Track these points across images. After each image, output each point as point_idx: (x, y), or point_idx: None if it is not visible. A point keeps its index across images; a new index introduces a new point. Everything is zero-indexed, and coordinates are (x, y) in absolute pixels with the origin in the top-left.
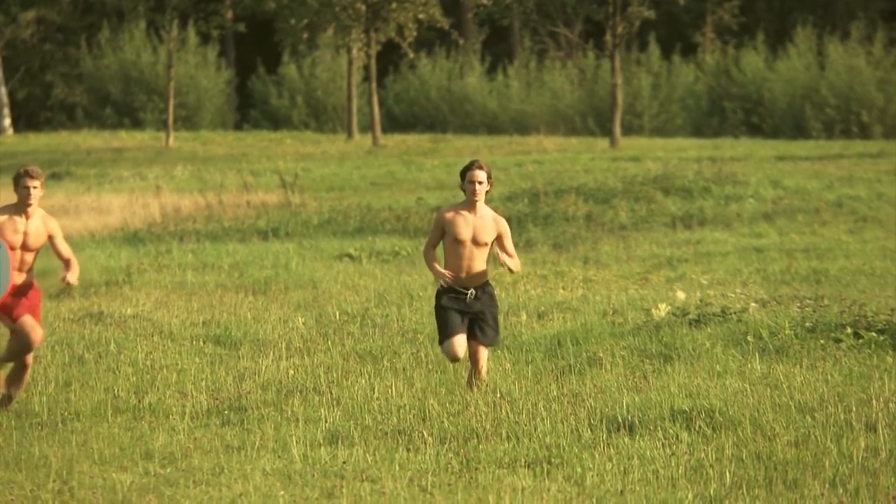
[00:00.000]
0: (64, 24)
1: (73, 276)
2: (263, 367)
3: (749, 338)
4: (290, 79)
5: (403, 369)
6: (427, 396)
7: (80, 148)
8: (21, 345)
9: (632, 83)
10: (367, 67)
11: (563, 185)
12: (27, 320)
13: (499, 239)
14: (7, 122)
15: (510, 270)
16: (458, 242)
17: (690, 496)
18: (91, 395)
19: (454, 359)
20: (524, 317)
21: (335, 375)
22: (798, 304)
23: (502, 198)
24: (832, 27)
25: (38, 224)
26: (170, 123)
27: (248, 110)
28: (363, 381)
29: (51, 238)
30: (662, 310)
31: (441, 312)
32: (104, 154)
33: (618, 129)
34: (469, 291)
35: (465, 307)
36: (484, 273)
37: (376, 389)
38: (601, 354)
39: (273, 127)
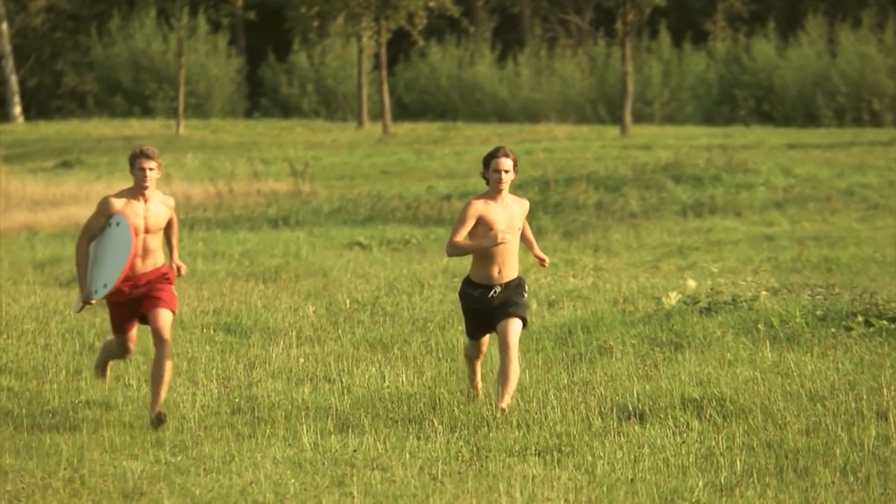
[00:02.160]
0: (74, 13)
1: (180, 263)
2: (274, 356)
3: (760, 326)
4: (301, 67)
5: (414, 358)
6: (437, 385)
7: (91, 136)
8: (157, 346)
9: (642, 71)
10: (377, 55)
11: (573, 174)
12: (158, 316)
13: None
14: (18, 110)
15: (542, 264)
16: (492, 233)
17: (701, 484)
18: (102, 383)
19: (474, 357)
20: (534, 305)
21: (345, 364)
22: (809, 293)
23: (513, 186)
24: (843, 15)
25: (157, 206)
26: (180, 112)
27: (259, 98)
28: (373, 369)
29: (169, 221)
30: (673, 298)
31: (466, 313)
32: (115, 142)
33: (628, 117)
34: (494, 288)
35: (488, 305)
36: (516, 266)
37: (387, 378)
38: (611, 343)
39: (283, 115)
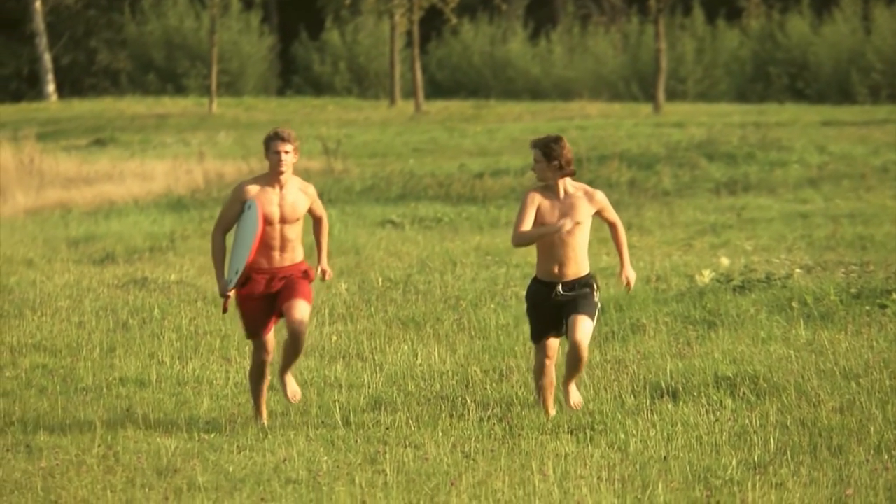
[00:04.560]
0: None
1: (326, 269)
2: (307, 334)
3: (794, 304)
4: (333, 45)
5: (446, 336)
6: (470, 363)
7: (124, 114)
8: (292, 340)
9: (676, 48)
10: (409, 33)
11: (606, 151)
12: (295, 307)
13: (599, 214)
14: (51, 88)
15: (628, 286)
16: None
17: (734, 462)
18: (135, 360)
19: (542, 364)
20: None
21: (378, 342)
22: (843, 270)
23: None
24: None
25: (295, 193)
26: (213, 89)
27: (291, 76)
28: (406, 347)
29: (316, 216)
30: (706, 276)
31: (529, 312)
32: (148, 120)
33: (661, 95)
34: (557, 286)
35: (556, 305)
36: (584, 263)
37: (419, 356)
38: (644, 321)
39: (315, 93)
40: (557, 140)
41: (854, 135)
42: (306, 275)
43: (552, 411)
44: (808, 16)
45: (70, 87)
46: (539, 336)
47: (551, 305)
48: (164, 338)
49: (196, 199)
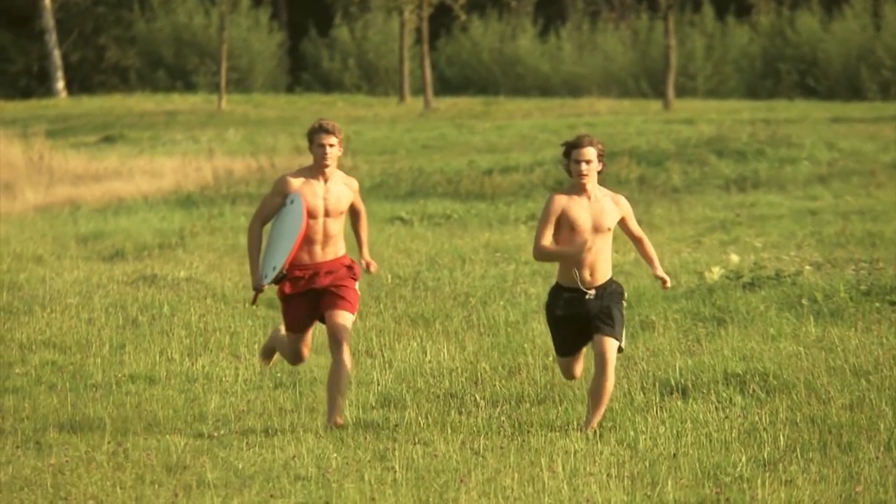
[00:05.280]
0: None
1: (370, 261)
2: (316, 331)
3: (803, 301)
4: (342, 41)
5: (455, 332)
6: (479, 360)
7: (133, 111)
8: (333, 345)
9: (685, 45)
10: (419, 30)
11: (615, 148)
12: (337, 316)
13: (622, 223)
14: (60, 84)
15: (664, 285)
16: (574, 233)
17: (744, 459)
18: (145, 357)
19: (569, 378)
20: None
21: (387, 338)
22: (853, 267)
23: (555, 160)
24: None
25: (339, 187)
26: (222, 86)
27: (300, 73)
28: (415, 344)
29: (355, 209)
30: (716, 273)
31: (553, 325)
32: (157, 117)
33: (671, 91)
34: (590, 292)
35: (585, 311)
36: (609, 268)
37: (428, 352)
38: (654, 318)
39: (325, 90)
40: (599, 142)
41: (864, 131)
42: (351, 270)
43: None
44: (818, 12)
45: (79, 83)
46: (566, 349)
47: (581, 313)
48: (173, 334)
49: (205, 196)
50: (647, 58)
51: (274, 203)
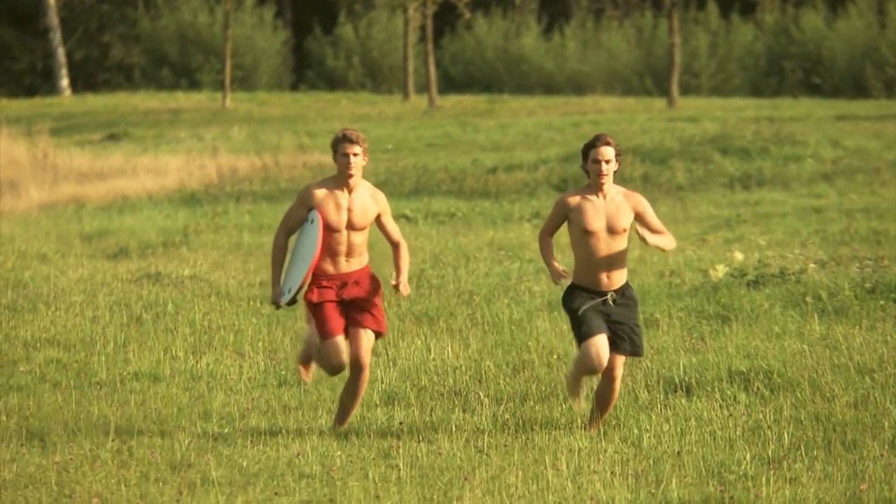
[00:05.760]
0: None
1: (404, 284)
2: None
3: (808, 299)
4: (347, 39)
5: (459, 330)
6: (483, 358)
7: (138, 109)
8: (353, 367)
9: (689, 42)
10: (423, 28)
11: (619, 146)
12: (361, 340)
13: (639, 218)
14: (65, 82)
15: (661, 249)
16: (588, 234)
17: (748, 457)
18: (149, 355)
19: (595, 368)
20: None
21: (391, 337)
22: (857, 265)
23: (559, 158)
24: None
25: (364, 199)
26: (226, 84)
27: (305, 71)
28: (419, 342)
29: (379, 216)
30: (720, 271)
31: (575, 313)
32: (161, 115)
33: (675, 89)
34: (609, 294)
35: (606, 309)
36: (624, 270)
37: (432, 351)
38: (658, 316)
39: (329, 88)
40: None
41: (868, 129)
42: (376, 282)
43: (583, 403)
44: (823, 10)
45: (84, 81)
46: (597, 326)
47: (601, 310)
48: (177, 332)
49: (209, 194)
50: (652, 56)
51: (298, 214)
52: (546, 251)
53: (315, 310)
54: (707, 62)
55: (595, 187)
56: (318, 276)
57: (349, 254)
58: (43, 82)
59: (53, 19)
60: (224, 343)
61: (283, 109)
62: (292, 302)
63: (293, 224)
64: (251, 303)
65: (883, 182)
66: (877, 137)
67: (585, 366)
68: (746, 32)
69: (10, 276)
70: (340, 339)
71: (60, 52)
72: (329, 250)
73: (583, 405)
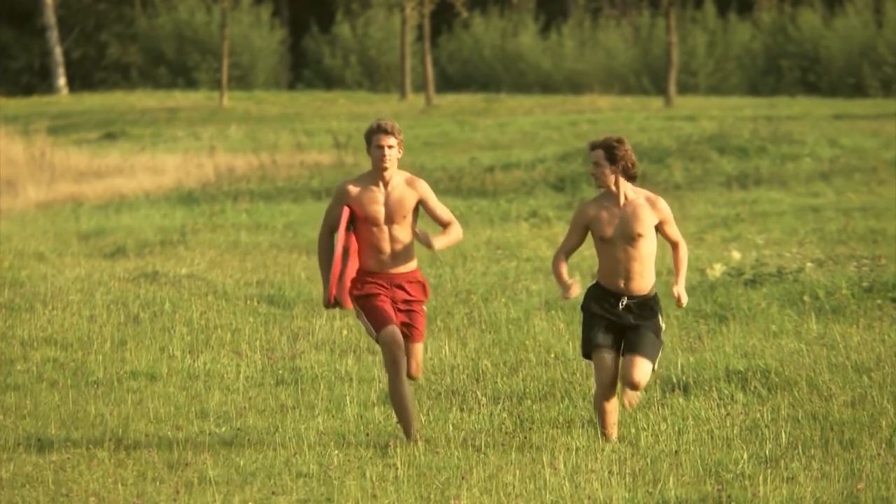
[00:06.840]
0: None
1: (438, 240)
2: (317, 327)
3: (805, 298)
4: (344, 38)
5: (457, 329)
6: (480, 357)
7: (135, 108)
8: (390, 363)
9: (687, 41)
10: (420, 26)
11: None
12: (410, 353)
13: (660, 226)
14: (62, 81)
15: (678, 303)
16: (606, 242)
17: (746, 456)
18: (146, 354)
19: (604, 379)
20: (578, 277)
21: None
22: (855, 264)
23: (556, 157)
24: None
25: (400, 189)
26: (224, 83)
27: (302, 70)
28: None
29: (422, 203)
30: (717, 270)
31: (585, 319)
32: (158, 114)
33: (673, 88)
34: (622, 299)
35: (616, 317)
36: (650, 276)
37: (430, 349)
38: None
39: (326, 86)
40: (621, 141)
41: (866, 128)
42: (424, 289)
43: (614, 435)
44: (820, 9)
45: (81, 80)
46: (597, 337)
47: (617, 318)
48: (174, 331)
49: (207, 193)
50: (649, 54)
51: (336, 211)
52: (556, 266)
53: (363, 303)
54: (705, 61)
55: (608, 194)
56: (363, 273)
57: (393, 251)
58: (40, 81)
59: (50, 18)
60: (221, 342)
61: (281, 108)
62: (335, 304)
63: (333, 222)
64: (248, 302)
65: (880, 181)
66: (874, 136)
67: (598, 378)
68: (744, 31)
69: (7, 275)
70: (395, 329)
71: (57, 51)
72: (371, 247)
73: (614, 436)
